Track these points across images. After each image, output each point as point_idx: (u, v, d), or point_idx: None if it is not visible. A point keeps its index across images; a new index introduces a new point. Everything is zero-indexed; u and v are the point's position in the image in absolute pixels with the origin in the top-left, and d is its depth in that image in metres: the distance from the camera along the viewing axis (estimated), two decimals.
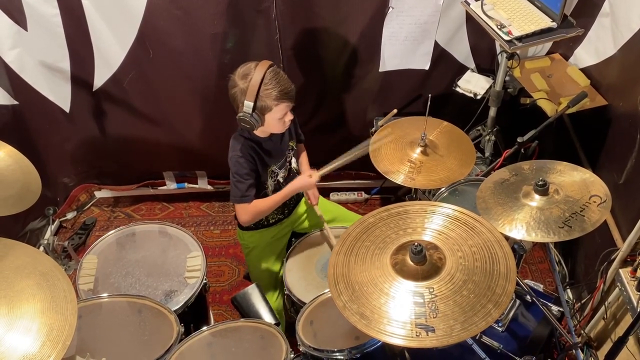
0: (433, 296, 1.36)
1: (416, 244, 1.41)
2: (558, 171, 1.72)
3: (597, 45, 2.39)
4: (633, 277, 2.00)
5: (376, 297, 1.38)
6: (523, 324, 1.99)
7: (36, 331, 1.39)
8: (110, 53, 2.61)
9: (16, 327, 1.38)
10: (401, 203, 1.61)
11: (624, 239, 2.13)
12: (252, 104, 1.92)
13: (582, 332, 2.43)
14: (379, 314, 1.35)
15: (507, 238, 1.82)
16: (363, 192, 3.31)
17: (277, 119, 2.01)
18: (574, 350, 1.89)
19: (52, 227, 3.07)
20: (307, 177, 2.19)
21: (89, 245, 2.46)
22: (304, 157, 2.44)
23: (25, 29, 2.50)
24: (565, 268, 2.74)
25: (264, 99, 1.93)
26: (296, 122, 2.30)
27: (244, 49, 2.58)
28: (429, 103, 2.04)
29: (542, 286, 2.21)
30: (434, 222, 1.54)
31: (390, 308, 1.35)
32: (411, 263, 1.41)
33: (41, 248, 2.93)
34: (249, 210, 2.12)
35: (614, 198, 2.30)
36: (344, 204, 3.21)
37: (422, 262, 1.41)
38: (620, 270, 2.06)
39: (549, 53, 2.69)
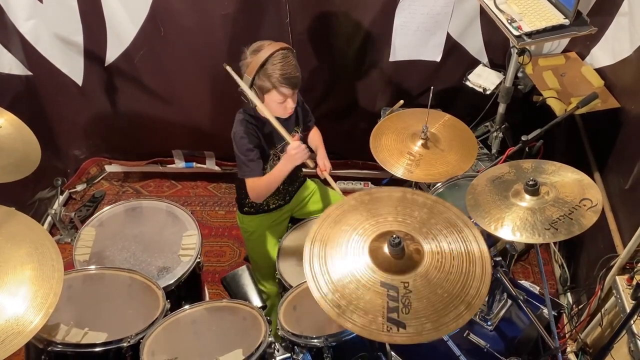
0: (407, 291, 1.34)
1: (394, 236, 1.38)
2: (552, 172, 1.67)
3: (614, 45, 2.32)
4: (629, 285, 1.96)
5: (352, 288, 1.36)
6: (514, 324, 1.96)
7: (22, 297, 1.43)
8: (122, 29, 2.63)
9: (4, 291, 1.43)
10: (382, 188, 1.58)
11: (625, 246, 2.08)
12: (250, 79, 1.91)
13: (578, 337, 2.39)
14: (353, 303, 1.33)
15: (497, 239, 1.80)
16: (369, 183, 3.28)
17: (277, 103, 1.99)
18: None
19: (60, 198, 3.14)
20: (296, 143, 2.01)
21: None
22: (319, 143, 2.33)
23: (41, 0, 2.53)
24: (567, 271, 2.69)
25: (263, 79, 1.92)
26: (306, 108, 2.26)
27: (254, 31, 2.57)
28: (431, 94, 2.01)
29: (538, 288, 2.17)
30: (413, 212, 1.52)
31: (364, 299, 1.34)
32: (388, 255, 1.40)
33: (48, 217, 3.02)
34: (257, 184, 2.06)
35: (618, 203, 2.25)
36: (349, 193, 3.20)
37: (399, 256, 1.39)
38: (617, 278, 2.01)
39: (565, 51, 2.61)
